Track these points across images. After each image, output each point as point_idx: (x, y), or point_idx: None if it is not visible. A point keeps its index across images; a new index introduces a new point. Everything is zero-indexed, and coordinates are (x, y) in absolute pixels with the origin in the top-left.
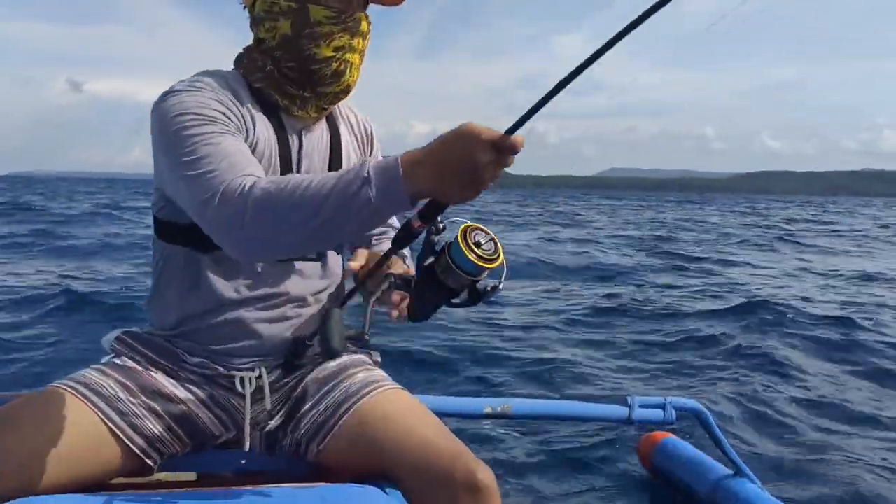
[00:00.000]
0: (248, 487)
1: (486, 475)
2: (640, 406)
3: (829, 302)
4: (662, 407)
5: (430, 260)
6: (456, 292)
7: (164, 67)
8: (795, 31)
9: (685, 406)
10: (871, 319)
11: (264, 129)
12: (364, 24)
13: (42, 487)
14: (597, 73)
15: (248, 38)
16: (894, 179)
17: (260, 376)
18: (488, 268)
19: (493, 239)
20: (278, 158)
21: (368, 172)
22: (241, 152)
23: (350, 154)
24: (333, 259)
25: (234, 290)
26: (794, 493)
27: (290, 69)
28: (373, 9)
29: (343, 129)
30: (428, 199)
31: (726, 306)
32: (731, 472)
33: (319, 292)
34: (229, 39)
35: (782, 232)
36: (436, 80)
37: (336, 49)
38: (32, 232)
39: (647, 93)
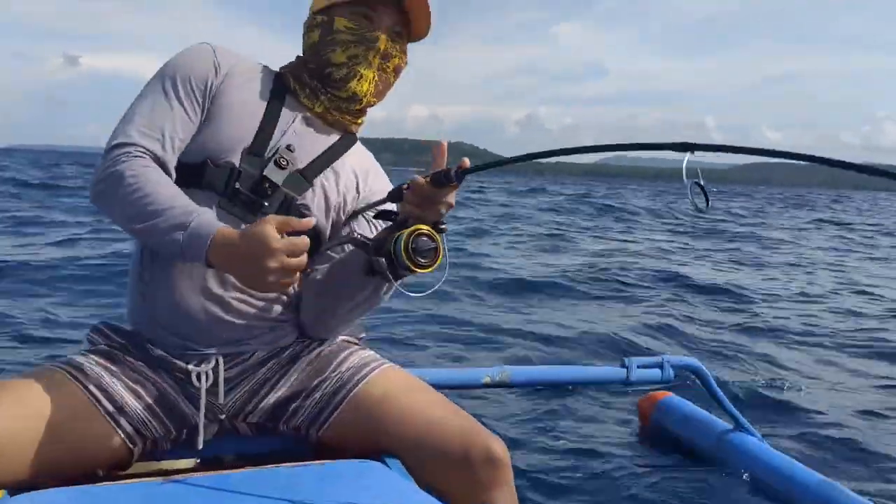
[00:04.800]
0: (250, 469)
1: (500, 447)
2: (638, 367)
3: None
4: (660, 366)
5: (384, 236)
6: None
7: (162, 43)
8: (797, 23)
9: (683, 363)
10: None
11: (256, 96)
12: (383, 44)
13: (34, 467)
14: (596, 60)
15: (245, 19)
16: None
17: (216, 366)
18: (415, 271)
19: (435, 248)
20: (256, 121)
21: (189, 225)
22: (168, 119)
23: (343, 172)
24: None
25: (187, 278)
26: (794, 445)
27: (310, 70)
28: None
29: (352, 154)
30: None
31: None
32: (731, 426)
33: None
34: (230, 16)
35: None
36: (436, 65)
37: (349, 57)
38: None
39: (646, 81)
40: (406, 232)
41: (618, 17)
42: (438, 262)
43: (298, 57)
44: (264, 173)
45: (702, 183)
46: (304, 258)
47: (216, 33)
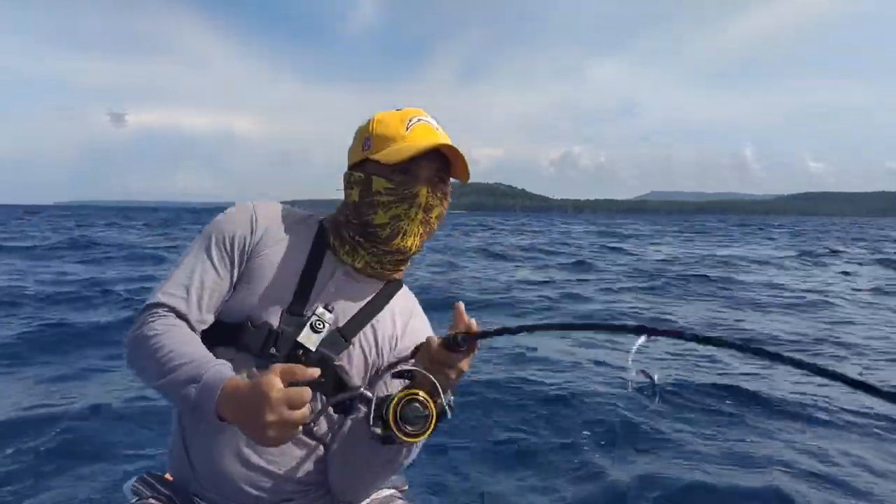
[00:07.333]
0: None
1: None
2: None
3: None
4: None
5: (385, 397)
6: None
7: (206, 98)
8: (835, 53)
9: None
10: None
11: (295, 252)
12: (424, 198)
13: None
14: (630, 97)
15: (287, 75)
16: None
17: None
18: (402, 441)
19: (427, 416)
20: (295, 278)
21: (201, 378)
22: (196, 277)
23: (382, 323)
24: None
25: (221, 433)
26: None
27: (353, 226)
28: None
29: (390, 310)
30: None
31: None
32: None
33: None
34: (266, 70)
35: None
36: (472, 108)
37: (392, 217)
38: None
39: (682, 116)
40: (397, 396)
41: (651, 53)
42: (429, 433)
43: (342, 207)
44: (298, 339)
45: (655, 380)
46: (305, 410)
47: (255, 86)
